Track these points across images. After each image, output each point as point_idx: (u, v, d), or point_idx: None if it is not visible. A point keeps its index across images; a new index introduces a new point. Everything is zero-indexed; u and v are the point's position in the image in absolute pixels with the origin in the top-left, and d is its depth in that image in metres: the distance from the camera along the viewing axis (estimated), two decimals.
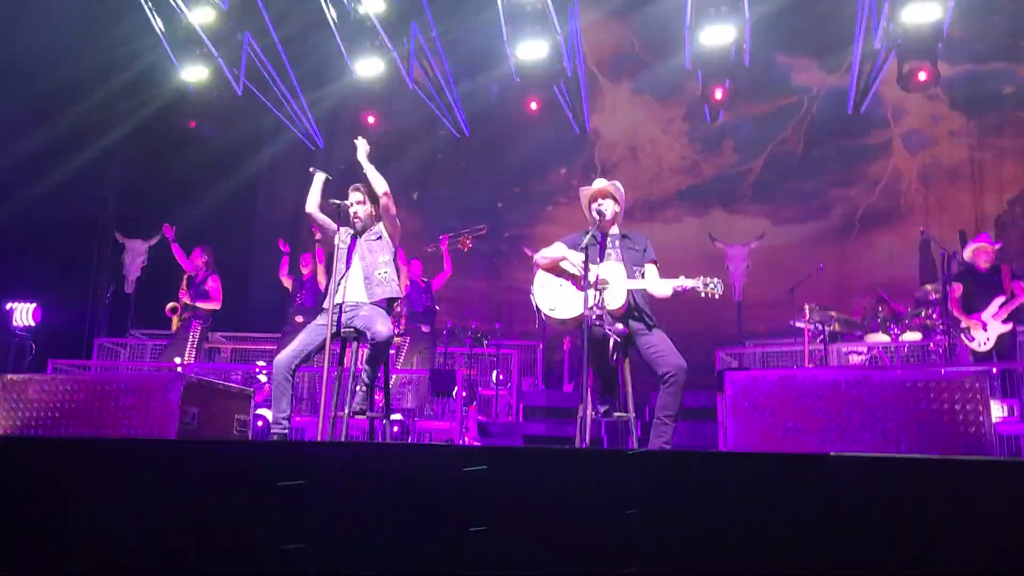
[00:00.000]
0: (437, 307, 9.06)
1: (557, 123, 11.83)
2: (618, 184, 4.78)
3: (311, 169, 4.98)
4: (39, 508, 2.84)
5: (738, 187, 12.03)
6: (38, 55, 9.03)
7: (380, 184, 4.88)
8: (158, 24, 10.37)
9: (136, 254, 10.12)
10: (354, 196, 5.00)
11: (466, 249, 8.81)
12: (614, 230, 4.71)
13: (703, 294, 4.31)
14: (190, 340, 8.14)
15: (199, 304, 8.21)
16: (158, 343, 9.04)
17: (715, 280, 4.32)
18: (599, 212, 4.62)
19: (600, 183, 4.80)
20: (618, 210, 4.72)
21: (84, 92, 9.79)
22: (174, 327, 8.47)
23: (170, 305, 8.44)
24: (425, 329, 8.75)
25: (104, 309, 10.26)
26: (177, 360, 8.61)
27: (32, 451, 2.95)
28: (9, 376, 4.41)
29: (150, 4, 10.38)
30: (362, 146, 4.97)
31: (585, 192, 4.79)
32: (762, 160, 11.95)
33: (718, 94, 9.94)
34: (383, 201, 4.90)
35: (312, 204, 4.96)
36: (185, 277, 8.51)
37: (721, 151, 12.17)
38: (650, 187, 12.06)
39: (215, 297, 8.25)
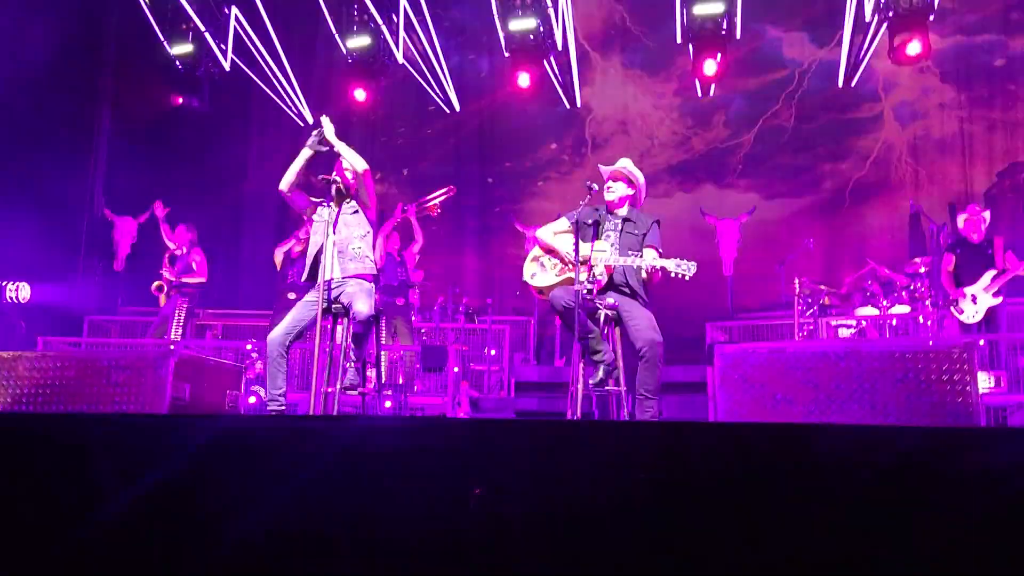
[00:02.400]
0: (414, 280, 8.97)
1: (547, 98, 11.77)
2: (631, 169, 4.80)
3: (312, 137, 4.89)
4: (29, 484, 2.84)
5: (729, 162, 12.01)
6: (18, 28, 8.92)
7: (358, 162, 4.85)
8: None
9: (125, 231, 10.05)
10: (344, 163, 4.98)
11: (435, 215, 8.75)
12: (621, 211, 4.74)
13: (673, 275, 4.34)
14: (175, 317, 8.12)
15: (185, 279, 8.18)
16: (148, 320, 9.01)
17: (688, 263, 4.33)
18: (605, 191, 4.70)
19: (621, 163, 4.85)
20: (631, 193, 4.76)
21: (68, 66, 9.68)
22: (161, 304, 8.45)
23: (155, 284, 8.41)
24: (399, 302, 8.69)
25: (94, 286, 10.22)
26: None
27: (22, 426, 2.95)
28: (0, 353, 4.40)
29: None
30: (328, 125, 4.93)
31: (604, 170, 4.85)
32: (753, 134, 11.92)
33: (709, 68, 9.89)
34: (361, 180, 4.87)
35: (287, 182, 4.91)
36: (167, 255, 8.48)
37: (712, 125, 12.13)
38: (641, 162, 11.83)
39: (200, 271, 8.21)
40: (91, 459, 2.89)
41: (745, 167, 11.92)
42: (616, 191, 4.72)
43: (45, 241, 8.56)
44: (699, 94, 11.29)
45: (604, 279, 4.50)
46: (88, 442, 2.94)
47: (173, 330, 8.13)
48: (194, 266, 8.23)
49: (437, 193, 9.21)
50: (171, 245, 8.61)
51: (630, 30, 12.35)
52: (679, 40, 10.15)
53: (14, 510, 2.77)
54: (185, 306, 8.22)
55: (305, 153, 4.91)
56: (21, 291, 8.58)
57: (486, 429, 2.93)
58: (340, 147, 4.89)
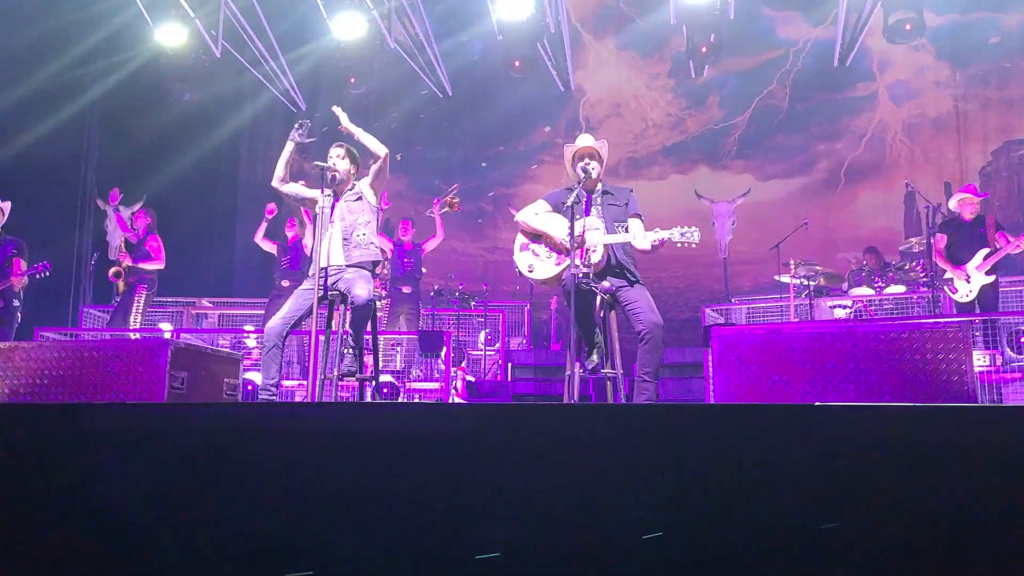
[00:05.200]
0: (424, 269, 9.02)
1: (541, 80, 11.74)
2: (604, 143, 4.76)
3: (296, 130, 4.87)
4: (27, 474, 2.84)
5: (723, 143, 11.99)
6: (5, 13, 8.84)
7: (378, 147, 4.83)
8: None
9: (118, 221, 10.01)
10: (335, 151, 4.95)
11: (458, 210, 8.75)
12: (598, 187, 4.70)
13: (678, 244, 4.31)
14: (135, 304, 8.04)
15: (141, 265, 8.05)
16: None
17: (691, 229, 4.30)
18: (584, 171, 4.59)
19: (585, 140, 4.77)
20: (600, 168, 4.71)
21: (55, 53, 9.60)
22: (120, 290, 8.31)
23: (112, 270, 8.29)
24: (406, 290, 8.71)
25: (89, 276, 10.18)
26: (164, 327, 8.57)
27: (19, 416, 2.95)
28: None
29: None
30: (341, 114, 4.90)
31: (570, 149, 4.76)
32: (747, 115, 11.90)
33: (703, 49, 9.86)
34: (381, 164, 4.85)
35: (277, 177, 4.89)
36: (122, 240, 8.37)
37: (706, 107, 12.11)
38: (635, 144, 12.00)
39: (157, 257, 8.08)
40: (87, 449, 2.89)
41: (740, 148, 11.90)
42: (594, 168, 4.66)
43: (39, 230, 8.49)
44: (693, 75, 11.26)
45: (603, 261, 4.47)
46: (84, 431, 2.94)
47: (133, 316, 8.04)
48: (149, 252, 8.10)
49: (451, 189, 9.20)
50: (124, 234, 8.51)
51: (624, 11, 12.29)
52: (673, 21, 10.11)
53: (12, 501, 2.78)
54: (144, 292, 8.12)
55: (289, 146, 4.87)
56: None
57: (483, 414, 2.94)
58: (357, 133, 4.86)
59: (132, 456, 2.73)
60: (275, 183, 4.92)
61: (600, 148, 4.72)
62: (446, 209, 8.46)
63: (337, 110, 4.92)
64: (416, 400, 7.61)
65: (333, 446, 2.77)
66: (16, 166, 8.89)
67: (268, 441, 2.86)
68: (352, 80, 10.79)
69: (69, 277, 9.80)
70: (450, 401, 7.36)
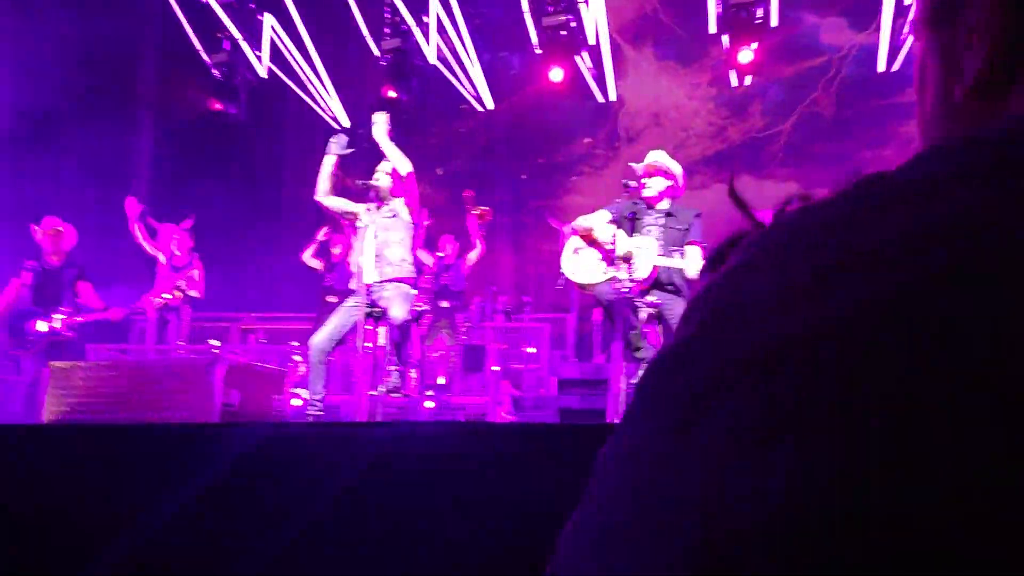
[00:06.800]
0: (464, 283, 9.02)
1: (580, 92, 11.72)
2: (670, 161, 4.76)
3: (331, 145, 4.93)
4: (84, 494, 2.90)
5: (767, 151, 11.87)
6: (54, 39, 9.10)
7: (403, 164, 4.88)
8: (177, 6, 10.41)
9: (168, 237, 10.21)
10: (383, 167, 5.00)
11: (488, 220, 8.76)
12: (662, 205, 4.70)
13: None
14: (181, 321, 7.93)
15: (189, 292, 7.89)
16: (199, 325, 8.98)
17: None
18: (628, 186, 4.64)
19: (651, 156, 4.81)
20: (670, 184, 4.71)
21: (110, 73, 9.87)
22: (156, 308, 8.03)
23: (173, 294, 7.92)
24: (446, 305, 8.72)
25: (130, 308, 10.32)
26: (214, 343, 8.69)
27: (82, 437, 3.02)
28: (55, 364, 4.51)
29: None
30: (381, 122, 4.93)
31: (635, 166, 4.80)
32: (791, 123, 11.77)
33: (744, 57, 9.77)
34: (406, 183, 4.90)
35: (321, 191, 4.95)
36: (168, 262, 8.09)
37: (748, 115, 12.00)
38: (675, 154, 11.74)
39: (198, 286, 7.95)
40: (139, 469, 2.95)
41: (784, 156, 11.76)
42: (653, 186, 4.67)
43: (96, 248, 8.63)
44: (734, 84, 11.16)
45: (648, 279, 4.46)
46: (136, 452, 3.00)
47: (180, 331, 7.96)
48: (196, 277, 7.98)
49: (476, 201, 9.22)
50: (147, 248, 8.22)
51: (663, 21, 12.25)
52: (713, 30, 10.05)
53: (67, 520, 2.83)
54: (187, 318, 8.03)
55: (329, 160, 4.94)
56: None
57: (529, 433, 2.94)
58: (386, 147, 4.92)
59: (178, 477, 2.78)
60: (318, 196, 5.00)
61: (664, 164, 4.74)
62: (481, 221, 8.51)
63: (379, 116, 4.97)
64: (461, 414, 7.62)
65: (381, 464, 2.79)
66: (68, 179, 9.15)
67: (313, 460, 2.89)
68: (391, 95, 10.90)
69: (120, 293, 10.00)
70: (496, 416, 7.36)
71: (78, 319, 6.29)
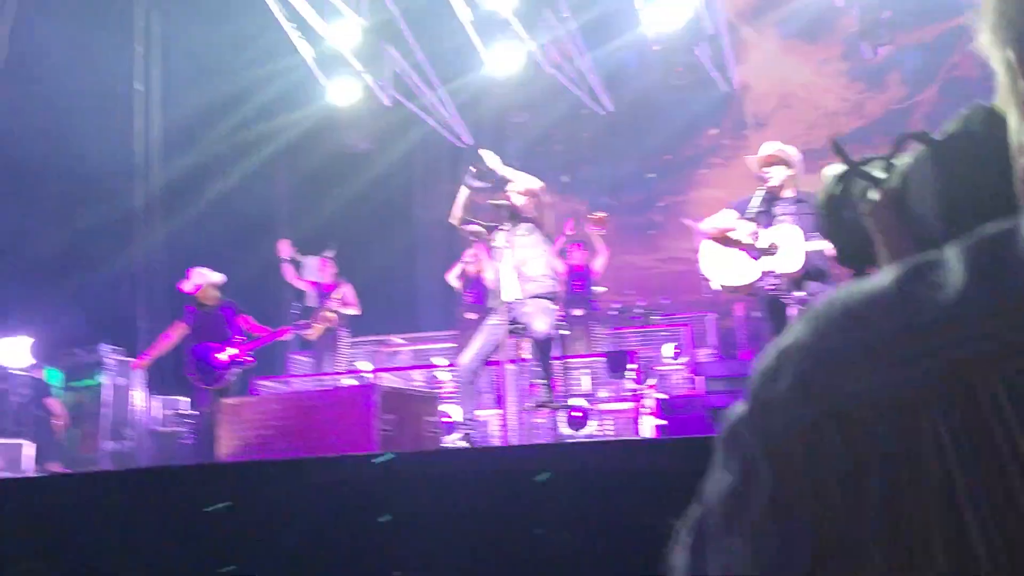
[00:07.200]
0: (595, 290, 8.99)
1: (702, 83, 11.44)
2: (785, 148, 4.60)
3: (468, 175, 5.02)
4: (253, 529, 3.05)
5: (910, 123, 11.17)
6: (183, 78, 9.75)
7: (532, 182, 4.91)
8: (303, 46, 10.92)
9: (312, 270, 10.71)
10: (512, 186, 5.07)
11: (604, 227, 8.71)
12: (788, 193, 4.54)
13: None
14: (336, 348, 8.37)
15: (343, 311, 8.37)
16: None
17: None
18: (761, 179, 4.50)
19: (765, 148, 4.64)
20: (791, 173, 4.55)
21: (233, 114, 10.49)
22: (311, 336, 8.38)
23: (324, 317, 8.33)
24: (578, 313, 8.72)
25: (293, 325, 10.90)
26: (363, 366, 9.05)
27: (246, 473, 3.19)
28: (227, 400, 4.81)
29: (296, 27, 10.93)
30: (488, 157, 5.01)
31: (751, 161, 4.64)
32: (935, 90, 11.02)
33: (878, 25, 9.26)
34: (539, 199, 4.93)
35: (455, 218, 5.06)
36: (316, 289, 8.59)
37: (886, 86, 11.33)
38: (809, 135, 11.40)
39: (353, 302, 8.41)
40: (313, 503, 3.07)
41: (929, 126, 10.94)
42: (777, 175, 4.51)
43: (243, 282, 9.18)
44: (868, 55, 10.58)
45: (801, 269, 4.30)
46: (308, 485, 3.13)
47: (335, 359, 8.38)
48: (348, 299, 8.45)
49: (594, 209, 9.20)
50: (299, 285, 8.83)
51: None
52: (840, 3, 9.58)
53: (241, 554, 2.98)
54: (343, 336, 8.47)
55: (464, 191, 5.04)
56: (23, 348, 8.02)
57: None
58: (507, 173, 4.97)
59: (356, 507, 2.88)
60: (453, 221, 5.11)
61: (781, 153, 4.57)
62: (595, 228, 8.49)
63: (485, 153, 5.05)
64: (608, 422, 7.57)
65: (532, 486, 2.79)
66: (215, 229, 9.76)
67: (464, 487, 2.93)
68: (512, 109, 11.02)
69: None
70: (642, 421, 7.27)
71: (252, 345, 6.76)
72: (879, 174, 0.94)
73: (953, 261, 0.43)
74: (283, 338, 6.99)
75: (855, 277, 0.98)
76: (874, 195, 0.93)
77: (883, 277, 0.45)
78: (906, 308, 0.43)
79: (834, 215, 1.01)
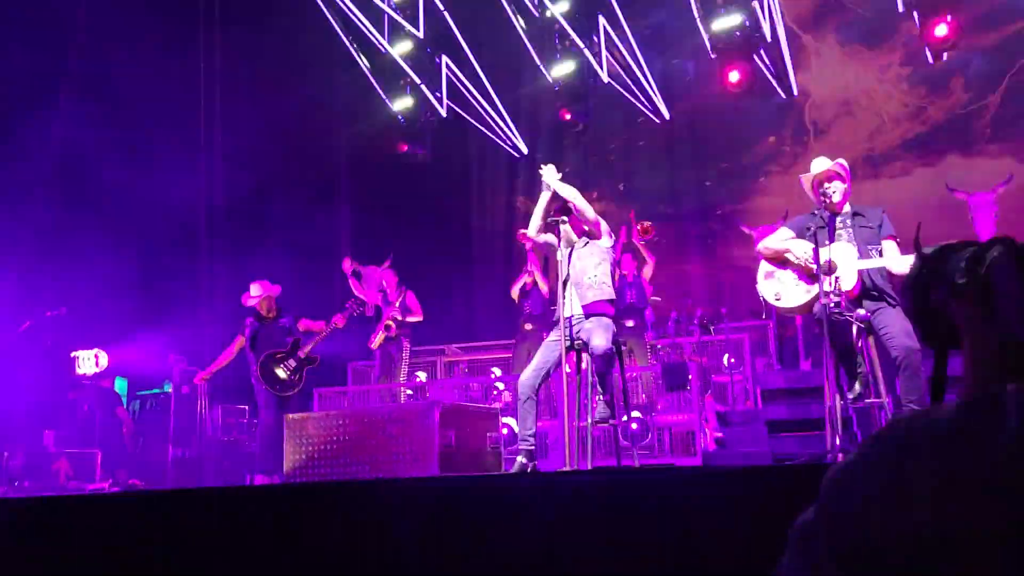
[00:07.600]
0: (648, 300, 8.94)
1: (760, 90, 11.32)
2: (842, 161, 4.56)
3: (545, 185, 5.01)
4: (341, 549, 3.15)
5: (974, 127, 10.88)
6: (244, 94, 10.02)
7: (587, 212, 4.91)
8: (363, 60, 11.15)
9: (372, 280, 10.90)
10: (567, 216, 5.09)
11: (653, 235, 8.67)
12: (845, 208, 4.49)
13: None
14: (403, 359, 8.49)
15: (407, 319, 8.47)
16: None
17: None
18: (824, 195, 4.45)
19: (820, 164, 4.59)
20: (845, 187, 4.51)
21: (310, 123, 10.74)
22: (375, 346, 8.58)
23: (386, 326, 8.52)
24: (630, 324, 8.66)
25: (352, 334, 11.09)
26: (421, 376, 9.18)
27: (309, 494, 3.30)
28: (290, 416, 4.96)
29: (354, 44, 11.17)
30: (548, 173, 5.01)
31: (806, 177, 4.60)
32: (999, 94, 10.72)
33: (940, 30, 9.06)
34: (594, 228, 4.95)
35: (534, 228, 5.08)
36: (380, 298, 8.74)
37: (949, 91, 11.06)
38: (871, 142, 11.23)
39: (418, 310, 8.53)
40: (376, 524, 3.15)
41: (994, 131, 10.74)
42: (836, 190, 4.47)
43: (302, 288, 9.38)
44: (930, 60, 10.36)
45: (855, 288, 4.26)
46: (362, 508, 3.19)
47: (400, 369, 8.51)
48: (411, 307, 8.56)
49: (642, 221, 9.17)
50: (362, 296, 8.94)
51: (843, 4, 11.60)
52: (901, 9, 9.40)
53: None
54: (408, 345, 8.59)
55: (545, 195, 5.06)
56: (100, 359, 8.71)
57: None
58: (566, 193, 4.98)
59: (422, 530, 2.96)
60: (531, 232, 5.13)
61: (837, 167, 4.53)
62: (644, 239, 8.47)
63: (545, 170, 5.06)
64: (667, 435, 7.56)
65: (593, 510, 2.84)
66: (278, 228, 10.02)
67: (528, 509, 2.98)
68: (568, 118, 11.05)
69: (337, 337, 10.76)
70: (702, 434, 7.25)
71: (311, 344, 6.95)
72: (960, 278, 0.99)
73: (1012, 403, 0.48)
74: (340, 326, 7.16)
75: (936, 357, 1.03)
76: (962, 283, 0.98)
77: (949, 410, 0.50)
78: (971, 445, 0.48)
79: (920, 296, 1.05)
